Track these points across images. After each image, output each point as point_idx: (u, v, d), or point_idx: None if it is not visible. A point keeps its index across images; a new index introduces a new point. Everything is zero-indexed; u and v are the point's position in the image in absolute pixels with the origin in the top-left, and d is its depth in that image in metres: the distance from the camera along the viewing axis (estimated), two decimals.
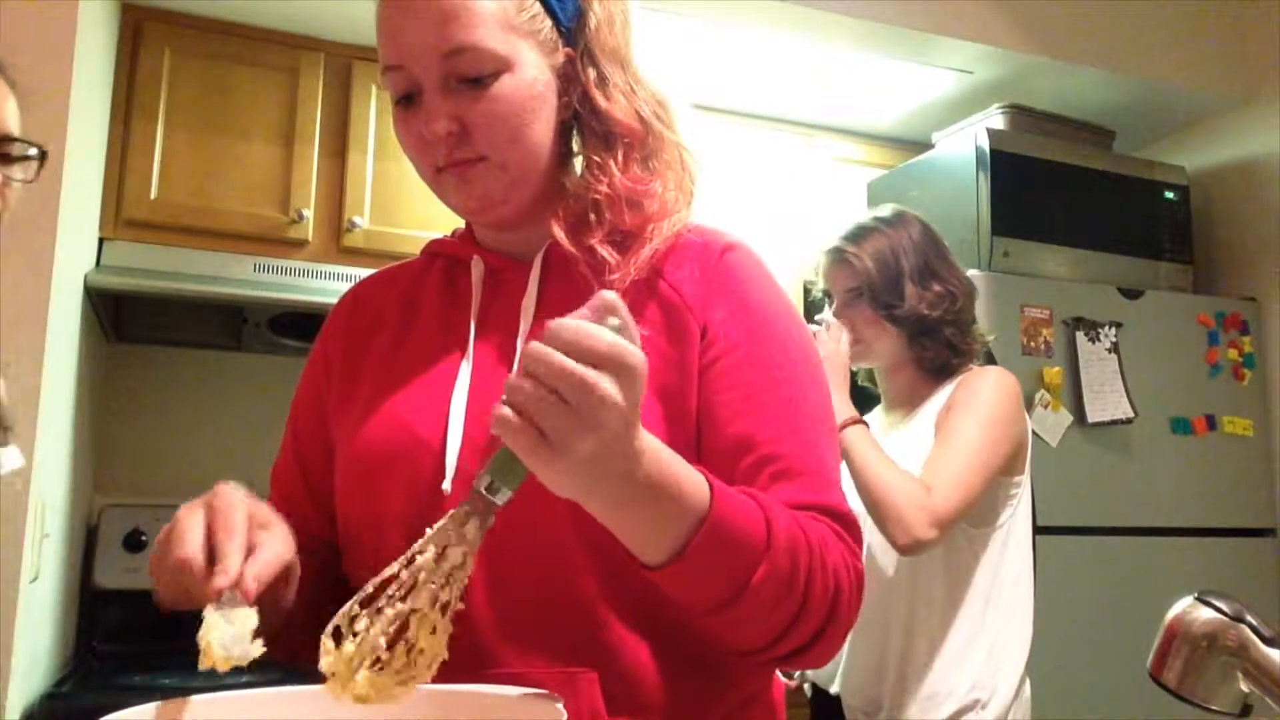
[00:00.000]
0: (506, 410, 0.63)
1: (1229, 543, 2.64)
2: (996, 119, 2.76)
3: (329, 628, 0.68)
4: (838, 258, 1.86)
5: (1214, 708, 0.78)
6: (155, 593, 0.78)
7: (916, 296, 1.79)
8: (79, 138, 2.00)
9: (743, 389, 0.86)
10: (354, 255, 2.49)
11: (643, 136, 0.92)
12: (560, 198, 0.93)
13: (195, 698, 0.73)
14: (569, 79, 0.92)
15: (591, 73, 0.92)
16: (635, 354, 0.63)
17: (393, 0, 0.88)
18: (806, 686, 1.90)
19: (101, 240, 2.30)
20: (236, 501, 0.76)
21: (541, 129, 0.90)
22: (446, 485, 0.85)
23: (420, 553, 0.68)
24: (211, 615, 0.71)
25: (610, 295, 0.65)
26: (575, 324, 0.63)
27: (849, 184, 3.00)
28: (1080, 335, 2.54)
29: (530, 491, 0.72)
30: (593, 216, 0.91)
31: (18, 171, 1.17)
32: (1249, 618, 0.77)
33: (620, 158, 0.92)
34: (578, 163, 0.95)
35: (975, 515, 1.69)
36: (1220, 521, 2.64)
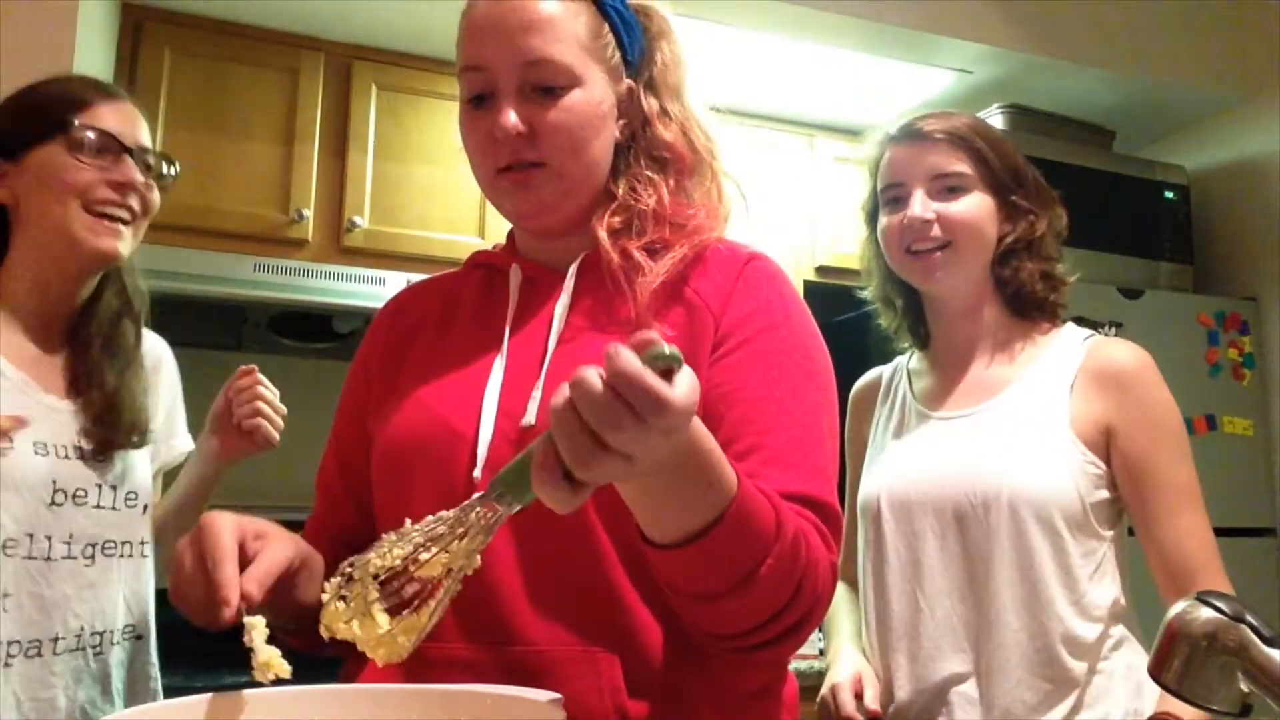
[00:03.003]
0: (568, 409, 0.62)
1: (1229, 543, 2.60)
2: (996, 119, 2.76)
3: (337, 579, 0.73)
4: (924, 138, 1.40)
5: (1214, 708, 0.78)
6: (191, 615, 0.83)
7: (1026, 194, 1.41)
8: None
9: (744, 379, 0.89)
10: (354, 255, 2.50)
11: (693, 165, 1.01)
12: (606, 206, 0.98)
13: (195, 698, 0.73)
14: (628, 107, 1.00)
15: (654, 104, 1.01)
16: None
17: (483, 8, 0.95)
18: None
19: None
20: (221, 527, 0.80)
21: (600, 147, 0.97)
22: (477, 473, 0.89)
23: (435, 538, 0.71)
24: (255, 636, 0.76)
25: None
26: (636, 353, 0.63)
27: (849, 184, 2.99)
28: None
29: None
30: (637, 223, 0.97)
31: (142, 179, 1.28)
32: (1249, 618, 0.77)
33: (671, 182, 1.00)
34: (623, 181, 1.00)
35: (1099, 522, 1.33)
36: (1220, 521, 2.60)
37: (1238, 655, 0.76)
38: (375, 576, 0.71)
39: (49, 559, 1.17)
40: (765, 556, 0.76)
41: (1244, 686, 0.76)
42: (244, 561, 0.80)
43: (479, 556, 0.71)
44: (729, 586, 0.76)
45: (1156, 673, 0.80)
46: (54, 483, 1.18)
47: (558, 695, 0.73)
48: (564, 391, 0.62)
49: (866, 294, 1.56)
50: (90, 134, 1.24)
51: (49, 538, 1.17)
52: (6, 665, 1.12)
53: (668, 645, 0.86)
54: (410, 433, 0.94)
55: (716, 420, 0.87)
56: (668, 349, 0.62)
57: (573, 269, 0.98)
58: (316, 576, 0.93)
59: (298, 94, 2.52)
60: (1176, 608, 0.80)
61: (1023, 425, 1.33)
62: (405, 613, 0.71)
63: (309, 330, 2.51)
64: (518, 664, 0.83)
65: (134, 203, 1.27)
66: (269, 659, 0.75)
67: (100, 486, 1.23)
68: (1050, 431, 1.32)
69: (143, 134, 1.30)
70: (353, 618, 0.71)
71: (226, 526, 0.80)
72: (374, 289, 2.41)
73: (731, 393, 0.88)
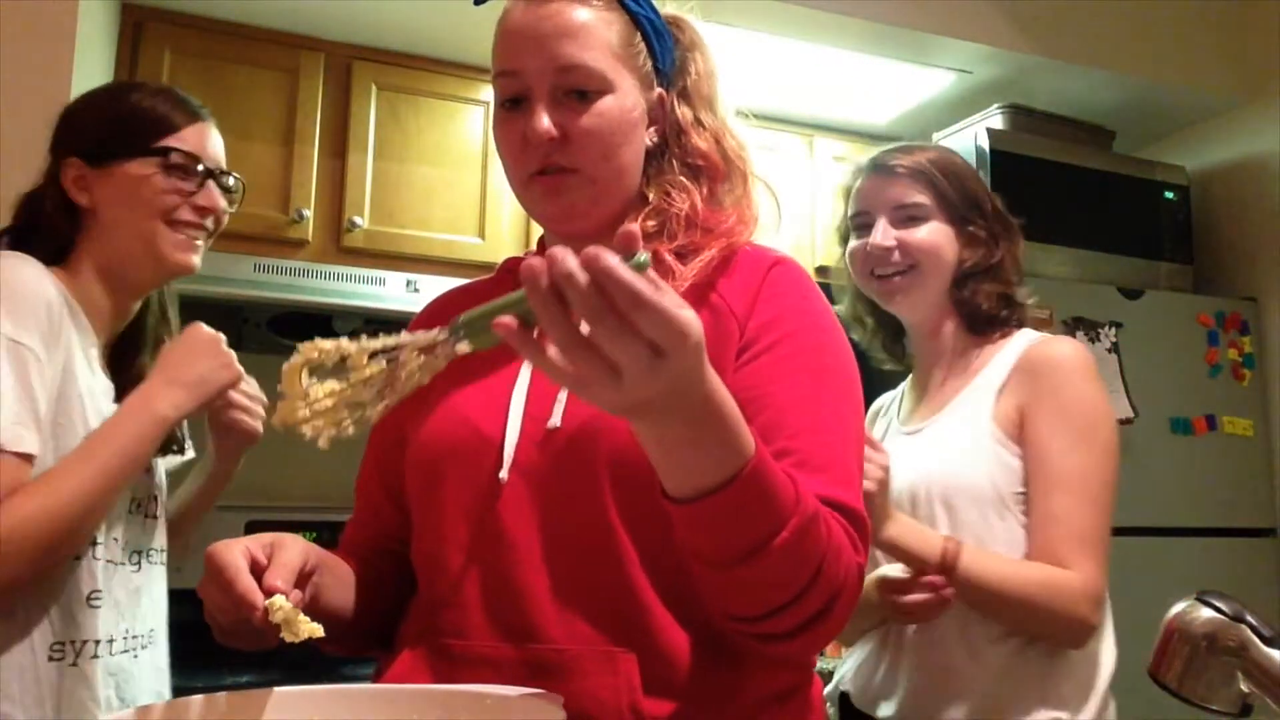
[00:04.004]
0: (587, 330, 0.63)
1: (1229, 543, 2.64)
2: (996, 119, 2.76)
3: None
4: (888, 172, 1.53)
5: (1214, 708, 0.78)
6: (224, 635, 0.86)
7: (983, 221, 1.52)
8: None
9: (772, 383, 0.90)
10: (354, 255, 2.50)
11: (726, 173, 1.03)
12: (639, 210, 1.00)
13: (196, 698, 0.74)
14: (659, 114, 1.03)
15: (689, 114, 1.04)
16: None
17: (519, 15, 0.97)
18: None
19: None
20: (225, 549, 0.83)
21: (631, 152, 0.99)
22: (503, 474, 0.91)
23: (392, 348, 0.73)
24: (277, 609, 0.78)
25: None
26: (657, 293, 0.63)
27: None
28: (1080, 335, 2.54)
29: (584, 478, 0.87)
30: (669, 227, 0.98)
31: (225, 202, 1.38)
32: (1249, 618, 0.77)
33: (704, 189, 1.02)
34: (656, 186, 1.02)
35: None
36: (1220, 521, 2.64)
37: (1238, 655, 0.76)
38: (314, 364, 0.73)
39: (118, 563, 1.24)
40: (782, 526, 0.76)
41: (1244, 686, 0.77)
42: (261, 573, 0.82)
43: (426, 377, 0.73)
44: (745, 550, 0.76)
45: (1157, 672, 0.80)
46: (132, 492, 1.25)
47: (558, 695, 0.74)
48: (540, 272, 0.62)
49: (839, 310, 1.63)
50: (181, 159, 1.30)
51: (116, 540, 1.24)
52: (94, 658, 1.18)
53: (690, 647, 0.86)
54: (440, 436, 0.96)
55: (746, 422, 0.87)
56: (641, 256, 0.64)
57: None
58: (339, 581, 0.96)
59: (298, 94, 2.52)
60: (1176, 608, 0.80)
61: (954, 427, 1.46)
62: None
63: (309, 330, 2.50)
64: (538, 661, 0.85)
65: (210, 223, 1.35)
66: (289, 616, 0.77)
67: (149, 496, 1.30)
68: (974, 427, 1.42)
69: (222, 154, 1.37)
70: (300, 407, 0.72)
71: (230, 547, 0.83)
72: (374, 289, 2.41)
73: (759, 397, 0.88)
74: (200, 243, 1.34)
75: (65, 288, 1.24)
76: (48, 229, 1.30)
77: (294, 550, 0.85)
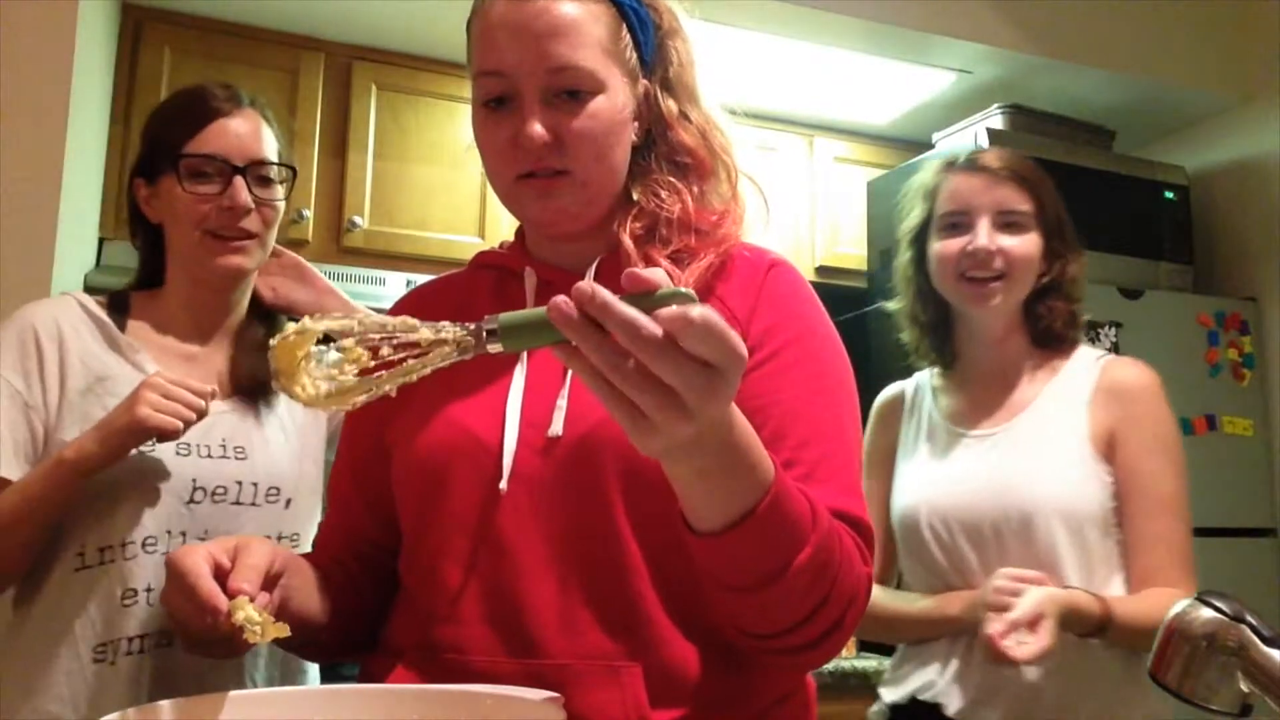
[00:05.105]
0: (614, 376, 0.62)
1: (1229, 543, 2.64)
2: (996, 119, 2.76)
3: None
4: (990, 173, 1.49)
5: (1214, 707, 0.78)
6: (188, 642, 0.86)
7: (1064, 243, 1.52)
8: (79, 138, 2.00)
9: (776, 393, 0.89)
10: (354, 255, 2.50)
11: (714, 169, 0.99)
12: (626, 212, 0.97)
13: (194, 698, 0.74)
14: (644, 109, 0.99)
15: (674, 107, 0.99)
16: (743, 347, 0.64)
17: (503, 11, 0.92)
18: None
19: (102, 240, 2.30)
20: (185, 554, 0.83)
21: (622, 152, 0.96)
22: (503, 485, 0.88)
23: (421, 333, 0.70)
24: (238, 611, 0.78)
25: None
26: (705, 316, 0.61)
27: (849, 184, 3.00)
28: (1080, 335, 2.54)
29: (592, 489, 0.85)
30: (662, 231, 0.95)
31: (278, 191, 1.33)
32: (1249, 618, 0.77)
33: (695, 189, 0.98)
34: (642, 186, 0.99)
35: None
36: (1220, 521, 2.64)
37: (1238, 655, 0.76)
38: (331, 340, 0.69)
39: None
40: (802, 546, 0.75)
41: (1244, 686, 0.77)
42: (225, 577, 0.82)
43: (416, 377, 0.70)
44: (769, 574, 0.75)
45: (1157, 672, 0.80)
46: (194, 481, 1.24)
47: (557, 695, 0.74)
48: (575, 317, 0.60)
49: (892, 306, 1.63)
50: (198, 163, 1.27)
51: (184, 534, 1.22)
52: (128, 655, 1.18)
53: (694, 657, 0.85)
54: (436, 446, 0.93)
55: None
56: (683, 289, 0.62)
57: (591, 272, 0.96)
58: (309, 584, 0.94)
59: (298, 94, 2.52)
60: (1176, 608, 0.80)
61: (1047, 442, 1.45)
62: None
63: None
64: (541, 676, 0.83)
65: (250, 224, 1.29)
66: (251, 616, 0.77)
67: (240, 484, 1.26)
68: (1073, 447, 1.44)
69: (259, 144, 1.31)
70: (303, 361, 0.68)
71: (192, 552, 0.83)
72: (374, 289, 2.41)
73: (763, 407, 0.87)
74: (246, 242, 1.30)
75: (142, 305, 1.32)
76: (139, 250, 1.37)
77: (259, 553, 0.84)
